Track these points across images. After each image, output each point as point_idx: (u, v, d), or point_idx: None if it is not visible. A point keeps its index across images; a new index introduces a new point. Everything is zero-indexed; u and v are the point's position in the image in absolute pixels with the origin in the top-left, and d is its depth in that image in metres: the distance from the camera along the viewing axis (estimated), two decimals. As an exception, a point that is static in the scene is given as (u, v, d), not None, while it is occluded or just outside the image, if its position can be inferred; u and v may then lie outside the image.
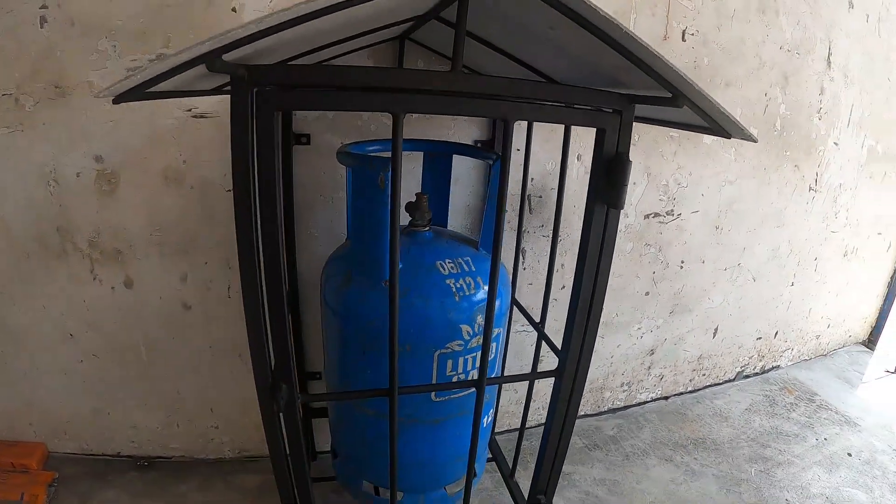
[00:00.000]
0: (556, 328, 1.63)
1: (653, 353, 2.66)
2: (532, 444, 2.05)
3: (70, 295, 1.79)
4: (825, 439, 2.56)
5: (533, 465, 2.00)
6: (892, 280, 3.39)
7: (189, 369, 1.97)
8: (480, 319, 1.33)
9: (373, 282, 1.26)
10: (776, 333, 3.02)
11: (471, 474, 1.31)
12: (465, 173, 1.93)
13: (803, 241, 2.81)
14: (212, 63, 0.73)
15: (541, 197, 2.10)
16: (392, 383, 1.10)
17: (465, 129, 1.87)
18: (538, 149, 1.93)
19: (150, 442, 2.07)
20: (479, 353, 1.37)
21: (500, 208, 1.06)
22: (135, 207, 1.70)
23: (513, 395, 2.37)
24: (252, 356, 1.03)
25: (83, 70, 1.52)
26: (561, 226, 2.13)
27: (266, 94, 0.84)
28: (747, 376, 3.06)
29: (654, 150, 2.22)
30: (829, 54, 2.42)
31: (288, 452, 1.17)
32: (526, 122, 1.83)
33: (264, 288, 0.96)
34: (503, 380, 1.29)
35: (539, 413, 2.34)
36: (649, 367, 2.69)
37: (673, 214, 2.38)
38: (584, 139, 2.02)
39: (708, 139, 2.32)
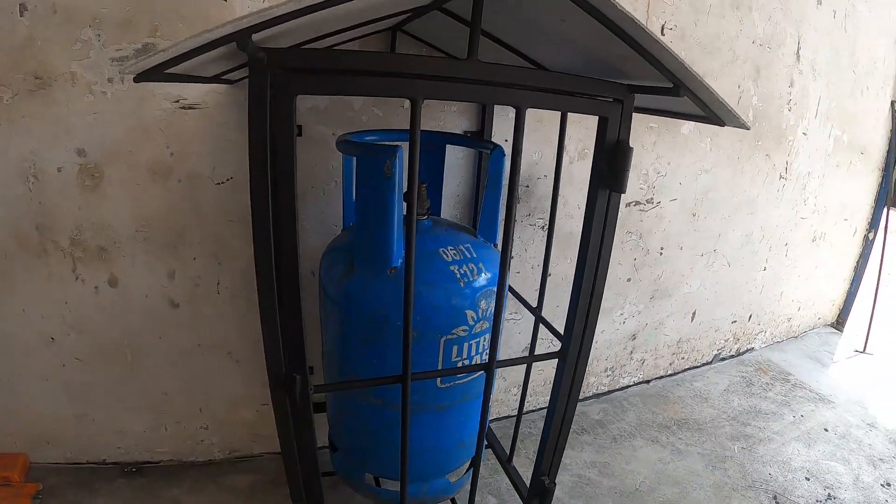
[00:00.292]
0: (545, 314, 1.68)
1: (635, 338, 2.74)
2: (522, 430, 2.09)
3: (51, 296, 1.72)
4: (802, 416, 2.70)
5: (526, 452, 2.04)
6: (857, 264, 3.59)
7: (177, 369, 1.91)
8: (484, 304, 1.35)
9: (378, 270, 1.26)
10: (750, 317, 3.16)
11: (479, 456, 1.33)
12: (454, 164, 1.94)
13: (774, 227, 2.94)
14: (243, 42, 0.72)
15: (527, 186, 2.13)
16: (405, 368, 1.10)
17: (454, 120, 1.89)
18: (524, 140, 1.95)
19: (137, 447, 2.00)
20: (482, 339, 1.39)
21: (511, 194, 1.09)
22: (119, 203, 1.65)
23: (501, 383, 2.40)
24: (266, 348, 1.02)
25: (65, 60, 1.46)
26: (546, 214, 2.19)
27: (284, 78, 0.83)
28: (724, 359, 3.19)
29: (634, 141, 2.20)
30: (799, 48, 2.54)
31: (297, 446, 1.15)
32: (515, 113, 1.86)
33: (279, 278, 0.95)
34: (512, 362, 1.31)
35: (527, 400, 2.37)
36: (631, 352, 2.77)
37: (653, 203, 2.46)
38: (569, 131, 2.06)
39: (685, 130, 2.41)
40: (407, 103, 1.79)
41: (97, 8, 1.42)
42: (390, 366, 1.32)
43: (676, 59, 0.95)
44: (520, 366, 2.28)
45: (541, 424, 2.49)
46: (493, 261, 1.43)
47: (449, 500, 1.76)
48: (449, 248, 1.36)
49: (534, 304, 1.71)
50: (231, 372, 1.96)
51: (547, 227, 2.19)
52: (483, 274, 1.37)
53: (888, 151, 3.25)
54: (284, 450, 1.16)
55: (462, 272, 1.32)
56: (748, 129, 1.22)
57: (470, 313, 1.32)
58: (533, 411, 2.51)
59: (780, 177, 2.81)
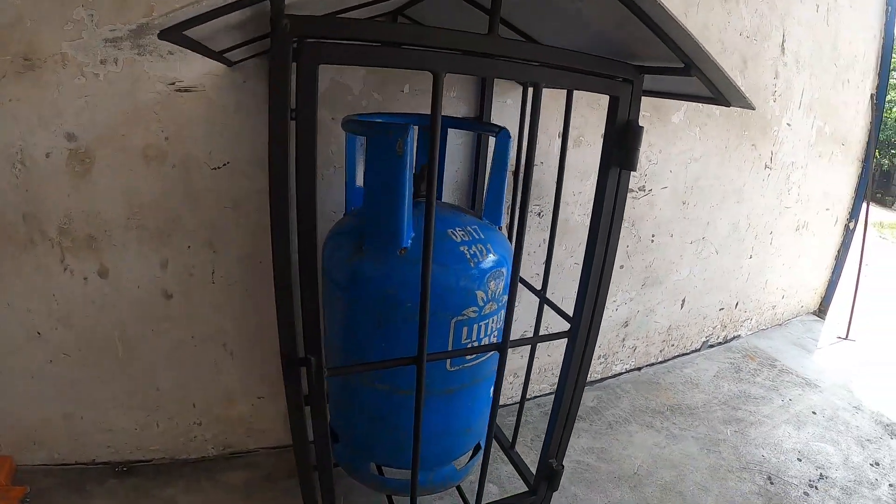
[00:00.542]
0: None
1: (627, 325, 2.77)
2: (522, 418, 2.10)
3: (37, 289, 1.65)
4: (790, 400, 2.76)
5: (524, 440, 2.04)
6: (839, 253, 3.70)
7: (169, 363, 1.86)
8: (493, 285, 1.35)
9: (388, 251, 1.24)
10: (737, 304, 3.23)
11: (490, 439, 1.32)
12: (453, 149, 1.93)
13: (760, 215, 3.02)
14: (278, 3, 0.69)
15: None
16: (421, 348, 1.09)
17: (453, 106, 1.88)
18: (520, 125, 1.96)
19: (128, 445, 1.94)
20: (490, 321, 1.39)
21: (528, 173, 1.09)
22: (111, 189, 1.59)
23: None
24: (280, 331, 0.99)
25: (56, 41, 1.41)
26: (543, 202, 2.20)
27: (308, 46, 0.81)
28: (712, 346, 3.25)
29: None
30: (784, 41, 2.61)
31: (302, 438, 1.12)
32: (521, 99, 1.86)
33: (297, 258, 0.93)
34: (524, 342, 1.31)
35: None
36: (623, 339, 2.80)
37: (644, 190, 2.49)
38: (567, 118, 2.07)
39: (676, 119, 2.45)
40: (406, 87, 1.79)
41: (90, -14, 1.37)
42: (399, 349, 1.30)
43: (691, 37, 0.97)
44: (519, 353, 2.30)
45: (536, 413, 2.53)
46: (499, 242, 1.43)
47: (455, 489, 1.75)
48: (457, 229, 1.35)
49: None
50: (226, 365, 1.91)
51: (543, 213, 2.22)
52: (491, 255, 1.36)
53: (867, 143, 3.37)
54: (296, 440, 1.13)
55: (472, 253, 1.32)
56: (753, 108, 1.25)
57: (480, 294, 1.31)
58: (527, 399, 2.51)
59: (766, 166, 2.88)
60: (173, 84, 1.53)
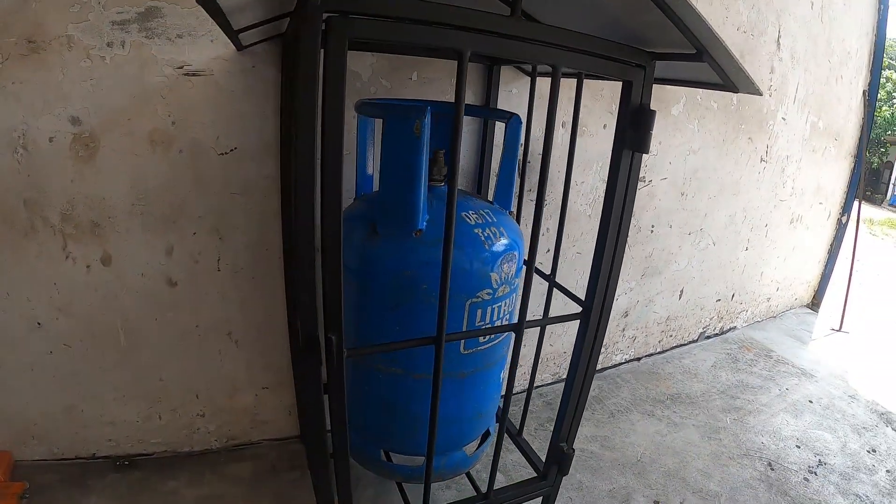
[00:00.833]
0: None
1: (627, 315, 2.79)
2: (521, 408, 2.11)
3: (38, 277, 1.61)
4: (787, 389, 2.81)
5: (527, 429, 2.04)
6: (831, 247, 3.77)
7: (173, 353, 1.83)
8: (506, 268, 1.35)
9: (404, 233, 1.24)
10: (733, 296, 3.27)
11: (504, 420, 1.32)
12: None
13: (756, 208, 3.06)
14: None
15: (529, 162, 2.14)
16: (440, 328, 1.09)
17: (461, 95, 1.88)
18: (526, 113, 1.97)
19: (129, 438, 1.91)
20: (503, 303, 1.39)
21: (545, 159, 1.11)
22: (116, 175, 1.56)
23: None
24: (300, 309, 0.98)
25: (61, 23, 1.38)
26: (547, 190, 2.21)
27: (338, 23, 0.80)
28: (708, 337, 3.29)
29: None
30: (779, 37, 2.65)
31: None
32: (525, 88, 1.87)
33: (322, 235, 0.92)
34: (538, 322, 1.31)
35: (525, 378, 2.39)
36: (623, 329, 2.82)
37: (644, 181, 2.51)
38: (568, 108, 2.08)
39: (675, 111, 2.47)
40: (415, 74, 1.79)
41: (98, -35, 1.35)
42: (414, 332, 1.30)
43: (706, 24, 0.99)
44: (523, 342, 2.31)
45: (539, 402, 2.54)
46: (510, 226, 1.44)
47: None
48: (471, 212, 1.35)
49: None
50: (231, 355, 1.89)
51: (547, 202, 2.23)
52: (503, 238, 1.37)
53: (860, 139, 3.44)
54: (312, 427, 1.11)
55: (486, 235, 1.32)
56: (761, 94, 1.27)
57: (494, 276, 1.32)
58: (522, 392, 2.52)
59: (762, 159, 2.93)
60: (181, 68, 1.51)
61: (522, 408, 1.86)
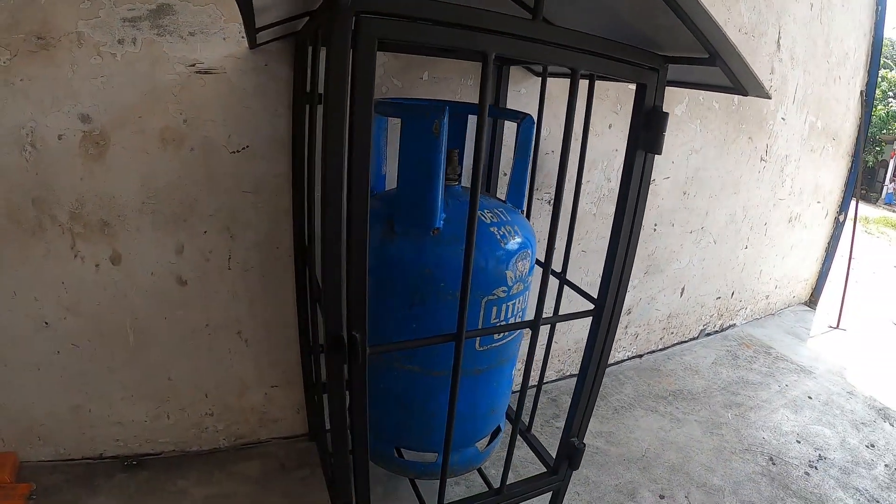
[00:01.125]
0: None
1: (629, 313, 2.82)
2: (526, 405, 2.11)
3: (46, 276, 1.60)
4: (786, 386, 2.85)
5: (536, 425, 2.05)
6: (829, 245, 3.83)
7: (182, 352, 1.83)
8: (521, 266, 1.36)
9: (423, 231, 1.25)
10: (732, 293, 3.31)
11: (519, 416, 1.33)
12: (469, 135, 1.94)
13: (755, 207, 3.10)
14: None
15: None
16: (460, 325, 1.10)
17: (471, 94, 1.89)
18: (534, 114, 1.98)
19: (137, 438, 1.90)
20: (517, 301, 1.40)
21: (563, 159, 1.12)
22: (126, 173, 1.56)
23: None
24: (326, 307, 0.98)
25: (71, 19, 1.37)
26: (553, 190, 2.22)
27: (366, 23, 0.80)
28: (709, 334, 3.32)
29: None
30: (779, 38, 2.68)
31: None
32: (533, 89, 1.88)
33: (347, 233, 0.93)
34: (553, 319, 1.32)
35: (531, 375, 2.40)
36: (626, 326, 2.85)
37: (648, 181, 2.53)
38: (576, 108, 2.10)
39: (678, 111, 2.50)
40: (426, 74, 1.79)
41: (110, -38, 1.34)
42: (432, 329, 1.31)
43: (719, 29, 1.01)
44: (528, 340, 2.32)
45: (543, 399, 2.55)
46: (524, 225, 1.45)
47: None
48: (486, 211, 1.36)
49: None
50: (240, 353, 1.89)
51: (553, 202, 2.24)
52: (518, 237, 1.38)
53: (857, 138, 3.48)
54: (335, 427, 1.11)
55: (501, 234, 1.33)
56: (769, 97, 1.29)
57: (509, 274, 1.33)
58: (533, 387, 2.53)
59: (761, 159, 2.96)
60: (193, 66, 1.50)
61: (532, 404, 1.88)
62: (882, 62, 3.34)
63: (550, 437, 2.24)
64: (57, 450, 1.82)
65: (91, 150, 1.51)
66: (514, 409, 2.00)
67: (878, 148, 14.78)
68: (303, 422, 2.08)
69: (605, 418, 2.43)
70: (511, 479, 1.92)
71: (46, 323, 1.66)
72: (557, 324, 2.13)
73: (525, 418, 1.90)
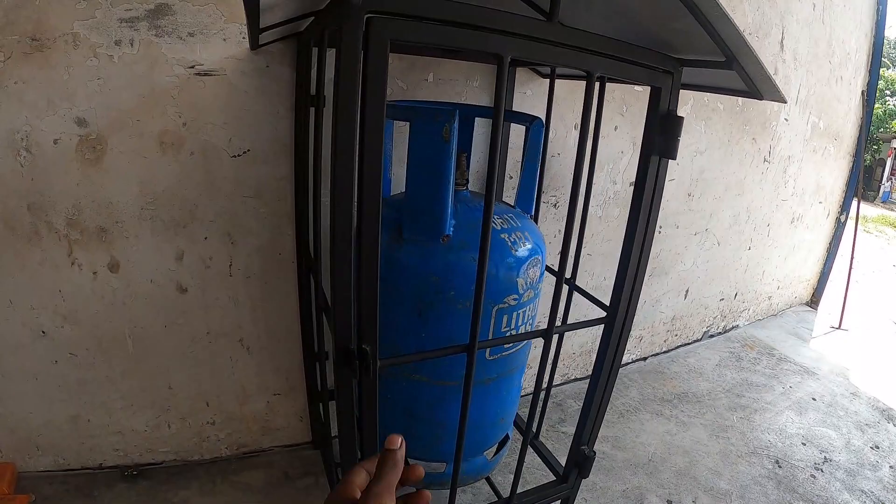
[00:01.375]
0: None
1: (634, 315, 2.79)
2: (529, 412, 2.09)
3: (43, 284, 1.56)
4: (790, 387, 2.84)
5: (544, 428, 2.03)
6: (830, 245, 3.82)
7: (183, 361, 1.79)
8: (531, 273, 1.33)
9: (431, 238, 1.22)
10: (735, 295, 3.30)
11: (532, 423, 1.31)
12: (476, 138, 1.90)
13: (758, 208, 3.08)
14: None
15: (542, 165, 2.13)
16: (473, 336, 1.06)
17: (476, 96, 1.86)
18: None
19: (137, 447, 1.86)
20: (528, 309, 1.37)
21: (579, 158, 1.08)
22: (124, 178, 1.51)
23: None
24: (335, 319, 0.95)
25: (67, 20, 1.33)
26: (559, 193, 2.20)
27: (378, 23, 0.77)
28: (712, 336, 3.31)
29: (639, 122, 2.29)
30: (783, 38, 2.66)
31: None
32: (539, 90, 1.85)
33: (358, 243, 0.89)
34: (568, 328, 1.29)
35: (531, 381, 2.37)
36: (631, 329, 2.82)
37: (653, 184, 2.51)
38: (581, 110, 2.07)
39: (683, 112, 2.47)
40: (431, 76, 1.76)
41: (107, -39, 1.30)
42: (441, 338, 1.28)
43: (739, 33, 0.98)
44: (533, 345, 2.30)
45: (549, 403, 2.51)
46: (533, 230, 1.42)
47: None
48: (496, 217, 1.33)
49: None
50: (242, 361, 1.86)
51: (559, 204, 2.22)
52: (528, 243, 1.35)
53: (858, 138, 3.47)
54: (344, 440, 1.08)
55: (512, 240, 1.30)
56: (785, 101, 1.27)
57: (520, 281, 1.30)
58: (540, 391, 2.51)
59: (765, 160, 2.94)
60: (192, 67, 1.46)
61: (539, 411, 1.85)
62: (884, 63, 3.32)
63: (556, 443, 2.21)
64: (56, 460, 1.78)
65: (88, 155, 1.47)
66: (522, 416, 2.00)
67: (875, 146, 14.83)
68: (306, 430, 2.04)
69: (610, 422, 2.41)
70: (520, 486, 1.91)
71: (44, 332, 1.62)
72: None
73: (537, 425, 1.88)
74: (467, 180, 1.42)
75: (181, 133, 1.51)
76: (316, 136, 1.33)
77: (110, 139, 1.47)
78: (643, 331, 2.87)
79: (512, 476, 2.01)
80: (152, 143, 1.50)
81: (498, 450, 1.65)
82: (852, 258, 3.66)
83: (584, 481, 1.95)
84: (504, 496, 1.50)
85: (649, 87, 1.20)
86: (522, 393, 2.42)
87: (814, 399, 2.74)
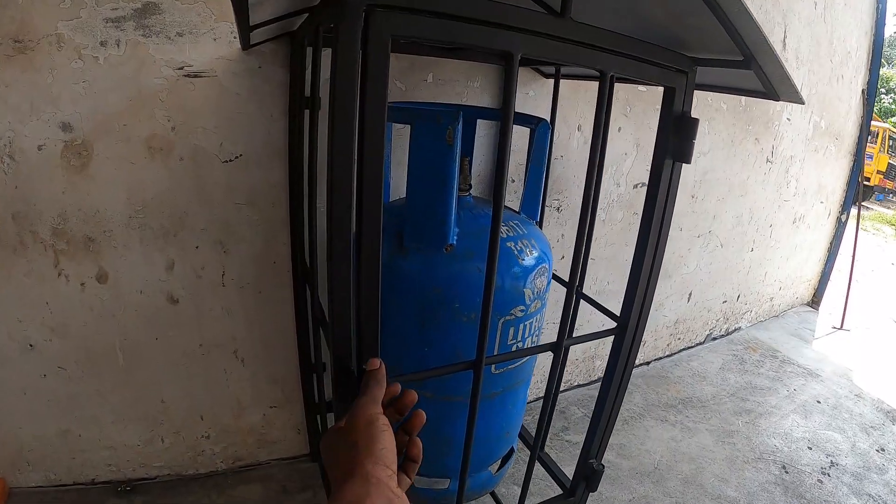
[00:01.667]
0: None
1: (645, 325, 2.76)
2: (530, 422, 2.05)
3: (29, 296, 1.49)
4: (794, 390, 2.80)
5: (549, 438, 1.98)
6: (831, 245, 3.79)
7: (175, 373, 1.72)
8: (539, 283, 1.28)
9: (434, 247, 1.16)
10: (738, 297, 3.26)
11: (539, 437, 1.26)
12: (477, 141, 1.85)
13: (761, 209, 3.05)
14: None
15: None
16: (480, 351, 1.01)
17: (477, 96, 1.80)
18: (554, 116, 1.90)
19: (130, 462, 1.80)
20: (534, 320, 1.32)
21: (591, 165, 1.03)
22: (111, 185, 1.45)
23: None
24: (334, 337, 0.89)
25: (50, 21, 1.26)
26: (563, 196, 2.15)
27: (379, 17, 0.71)
28: (714, 338, 3.27)
29: (643, 123, 2.28)
30: (785, 37, 2.62)
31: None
32: (542, 91, 1.80)
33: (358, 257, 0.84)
34: (578, 340, 1.24)
35: (531, 390, 2.32)
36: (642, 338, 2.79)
37: (656, 186, 2.46)
38: (584, 111, 2.03)
39: (686, 112, 2.43)
40: (430, 76, 1.70)
41: (91, -41, 1.24)
42: (444, 352, 1.23)
43: (760, 31, 0.93)
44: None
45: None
46: (540, 238, 1.37)
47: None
48: (502, 224, 1.27)
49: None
50: (236, 373, 1.79)
51: (562, 208, 2.17)
52: (534, 251, 1.30)
53: (859, 137, 3.45)
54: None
55: (518, 249, 1.25)
56: (803, 103, 1.22)
57: (527, 291, 1.25)
58: (534, 400, 2.46)
59: (767, 160, 2.91)
60: (181, 69, 1.40)
61: (546, 421, 1.80)
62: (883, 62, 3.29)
63: (560, 452, 2.17)
64: (47, 475, 1.72)
65: (73, 161, 1.40)
66: (524, 425, 1.95)
67: (872, 144, 14.92)
68: (304, 442, 1.99)
69: (615, 430, 2.32)
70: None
71: (31, 345, 1.55)
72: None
73: (542, 437, 1.83)
74: (470, 185, 1.37)
75: (170, 137, 1.45)
76: (311, 140, 1.28)
77: (96, 144, 1.40)
78: (646, 335, 2.83)
79: (515, 487, 1.98)
80: (140, 149, 1.44)
81: (502, 464, 1.60)
82: (853, 258, 3.63)
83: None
84: (510, 511, 1.45)
85: (657, 87, 1.15)
86: (532, 400, 2.40)
87: (818, 402, 2.71)
